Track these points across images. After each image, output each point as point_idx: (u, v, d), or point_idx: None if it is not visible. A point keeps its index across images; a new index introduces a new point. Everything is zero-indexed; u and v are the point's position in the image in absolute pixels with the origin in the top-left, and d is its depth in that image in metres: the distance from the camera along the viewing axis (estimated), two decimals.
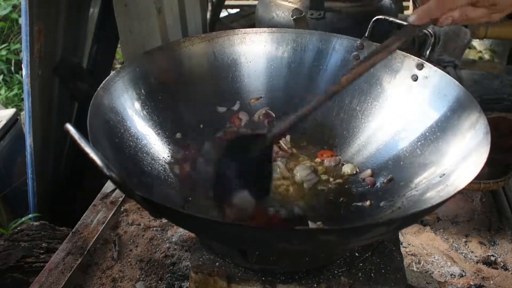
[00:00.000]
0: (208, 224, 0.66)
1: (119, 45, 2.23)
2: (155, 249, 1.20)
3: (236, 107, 1.11)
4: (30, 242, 1.26)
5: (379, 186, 0.96)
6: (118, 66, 2.62)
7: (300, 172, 1.01)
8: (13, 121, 1.83)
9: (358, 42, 1.09)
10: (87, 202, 1.33)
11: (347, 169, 1.02)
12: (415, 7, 2.82)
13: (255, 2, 1.83)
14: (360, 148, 1.04)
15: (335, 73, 1.10)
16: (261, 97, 1.12)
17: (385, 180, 0.95)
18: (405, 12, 2.94)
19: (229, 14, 3.08)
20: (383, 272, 0.85)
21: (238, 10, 3.08)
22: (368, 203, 0.93)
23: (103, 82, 0.90)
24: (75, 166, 1.80)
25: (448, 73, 0.98)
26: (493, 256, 1.20)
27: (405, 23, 1.06)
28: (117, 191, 1.36)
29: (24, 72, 1.49)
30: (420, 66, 1.00)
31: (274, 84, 1.12)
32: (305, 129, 1.10)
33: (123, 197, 1.35)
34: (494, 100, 1.94)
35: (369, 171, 0.99)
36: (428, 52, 1.02)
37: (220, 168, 0.86)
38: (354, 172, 1.01)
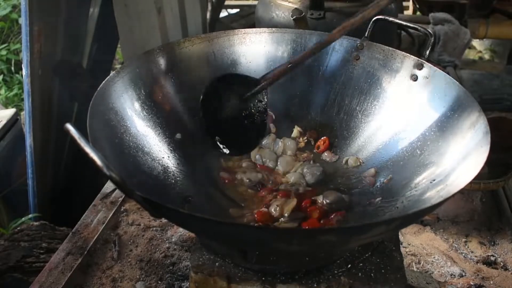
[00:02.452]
0: (208, 224, 0.66)
1: (119, 45, 2.23)
2: (155, 249, 1.20)
3: None
4: (30, 242, 1.26)
5: (379, 186, 0.96)
6: (118, 66, 2.62)
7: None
8: (13, 121, 1.83)
9: (358, 42, 1.09)
10: (87, 202, 1.33)
11: (351, 161, 1.03)
12: (415, 7, 2.82)
13: (255, 2, 1.83)
14: (360, 148, 1.04)
15: (335, 73, 1.10)
16: None
17: (385, 180, 0.95)
18: (405, 12, 2.95)
19: (229, 14, 3.08)
20: (383, 272, 0.85)
21: (238, 10, 3.08)
22: (368, 203, 0.93)
23: (103, 82, 0.90)
24: (75, 166, 1.80)
25: (448, 73, 0.98)
26: (493, 256, 1.20)
27: (404, 23, 1.07)
28: (117, 191, 1.36)
29: (24, 72, 1.49)
30: (420, 66, 1.00)
31: (274, 84, 1.12)
32: (305, 129, 1.10)
33: (123, 197, 1.35)
34: (494, 100, 1.93)
35: (372, 170, 0.98)
36: (428, 52, 1.02)
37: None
38: (358, 163, 1.01)
